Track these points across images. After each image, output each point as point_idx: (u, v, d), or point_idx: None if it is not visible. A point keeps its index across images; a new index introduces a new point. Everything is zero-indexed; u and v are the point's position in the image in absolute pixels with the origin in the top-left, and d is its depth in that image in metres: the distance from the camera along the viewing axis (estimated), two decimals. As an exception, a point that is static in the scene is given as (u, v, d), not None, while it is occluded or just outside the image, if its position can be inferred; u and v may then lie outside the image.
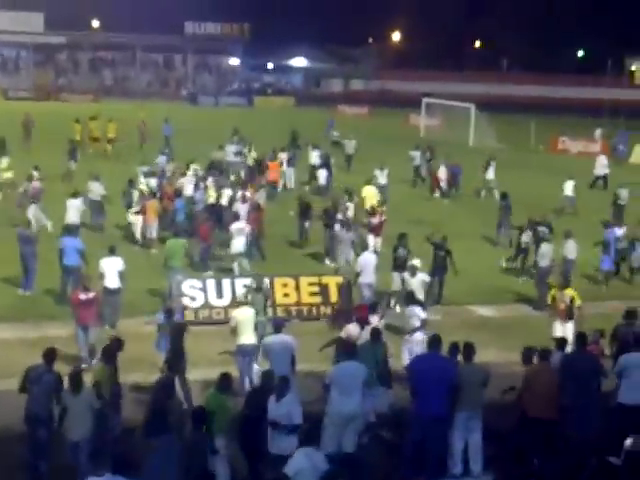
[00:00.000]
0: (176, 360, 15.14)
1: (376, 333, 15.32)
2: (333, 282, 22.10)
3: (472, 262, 25.62)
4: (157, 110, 75.19)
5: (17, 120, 50.74)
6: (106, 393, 13.59)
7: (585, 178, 42.18)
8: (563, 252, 24.41)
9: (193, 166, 34.09)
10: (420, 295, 19.64)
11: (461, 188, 40.12)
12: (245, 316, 16.96)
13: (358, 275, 21.72)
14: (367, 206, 30.03)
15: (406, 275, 20.71)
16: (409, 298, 18.98)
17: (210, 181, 31.69)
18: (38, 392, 13.15)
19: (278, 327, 15.81)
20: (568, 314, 18.70)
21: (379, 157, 40.99)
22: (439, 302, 22.75)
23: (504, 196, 30.74)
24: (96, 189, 30.40)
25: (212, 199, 30.22)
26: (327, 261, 26.56)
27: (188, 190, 30.94)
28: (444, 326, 19.48)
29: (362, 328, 16.24)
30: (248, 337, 16.79)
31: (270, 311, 19.54)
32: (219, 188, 30.80)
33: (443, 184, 39.60)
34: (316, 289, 21.94)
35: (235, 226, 25.19)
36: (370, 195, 31.58)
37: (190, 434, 12.27)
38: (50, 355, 13.58)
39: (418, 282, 20.14)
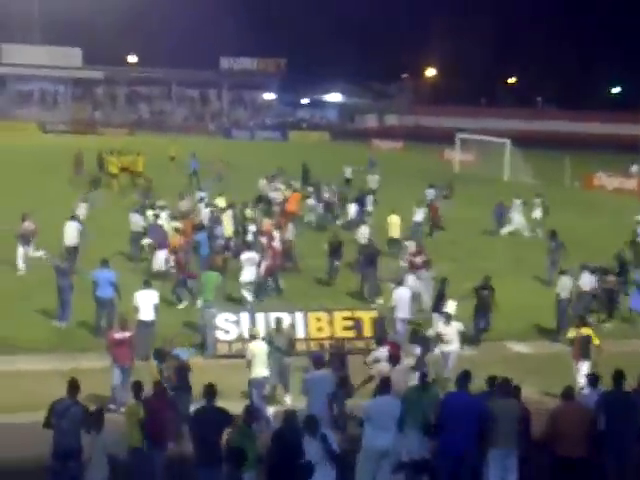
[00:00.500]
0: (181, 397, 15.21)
1: (425, 378, 14.65)
2: (367, 316, 21.97)
3: (510, 298, 25.31)
4: (191, 144, 75.76)
5: (55, 153, 51.26)
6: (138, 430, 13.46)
7: (621, 214, 41.78)
8: (579, 284, 24.20)
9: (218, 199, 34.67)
10: (455, 345, 19.17)
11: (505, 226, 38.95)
12: (260, 349, 16.99)
13: (393, 310, 21.60)
14: (391, 234, 30.69)
15: (440, 323, 19.89)
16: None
17: (229, 214, 31.93)
18: (66, 426, 12.95)
19: (319, 362, 15.61)
20: (583, 353, 18.25)
21: (413, 193, 40.97)
22: (478, 344, 22.30)
23: (553, 235, 29.90)
24: (136, 220, 30.67)
25: (229, 232, 30.43)
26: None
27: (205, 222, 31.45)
28: (480, 362, 19.29)
29: (394, 365, 16.06)
30: (261, 370, 16.84)
31: (295, 349, 19.13)
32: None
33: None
34: (350, 323, 21.83)
35: (245, 256, 25.38)
36: (394, 223, 31.85)
37: (228, 474, 12.15)
38: (74, 387, 13.41)
39: (453, 331, 19.34)
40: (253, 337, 17.66)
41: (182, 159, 52.35)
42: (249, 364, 16.87)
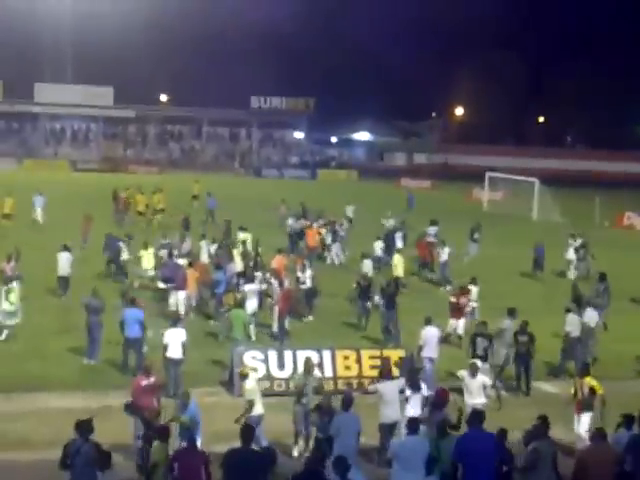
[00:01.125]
0: None
1: (443, 427, 14.35)
2: (395, 355, 21.94)
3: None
4: (220, 183, 76.30)
5: (83, 191, 51.75)
6: (162, 474, 13.33)
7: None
8: (583, 320, 24.09)
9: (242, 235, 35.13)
10: (479, 398, 18.07)
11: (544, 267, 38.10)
12: (253, 387, 16.97)
13: (420, 349, 21.57)
14: (396, 273, 31.28)
15: (466, 374, 18.53)
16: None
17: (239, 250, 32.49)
18: (79, 464, 13.04)
19: (348, 403, 15.51)
20: (586, 406, 17.44)
21: (442, 231, 40.99)
22: (528, 394, 21.79)
23: (602, 277, 29.42)
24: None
25: (239, 267, 30.63)
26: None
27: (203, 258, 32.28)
28: (510, 402, 19.21)
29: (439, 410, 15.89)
30: (257, 408, 16.83)
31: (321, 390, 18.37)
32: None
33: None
34: (377, 362, 21.80)
35: (247, 287, 26.12)
36: (399, 263, 32.37)
37: None
38: (83, 426, 13.46)
39: (477, 385, 18.14)
40: (244, 377, 17.37)
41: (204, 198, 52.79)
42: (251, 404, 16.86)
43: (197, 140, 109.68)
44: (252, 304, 25.56)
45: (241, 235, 35.61)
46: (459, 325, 25.52)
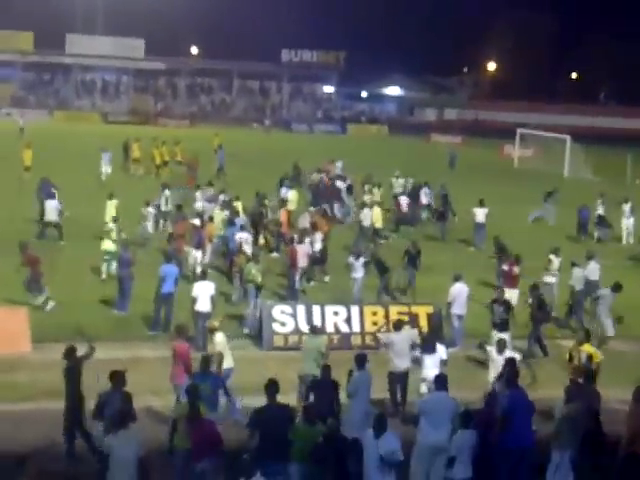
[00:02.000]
0: None
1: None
2: (423, 311, 21.96)
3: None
4: (250, 136, 76.19)
5: (117, 143, 51.80)
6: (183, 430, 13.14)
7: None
8: (585, 274, 24.25)
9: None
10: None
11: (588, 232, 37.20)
12: (222, 340, 16.78)
13: (450, 305, 21.57)
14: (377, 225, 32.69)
15: (493, 350, 17.41)
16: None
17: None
18: (110, 414, 13.10)
19: (362, 361, 15.48)
20: (580, 373, 16.01)
21: (472, 188, 40.75)
22: (546, 354, 21.23)
23: None
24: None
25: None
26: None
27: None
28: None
29: None
30: (227, 361, 16.70)
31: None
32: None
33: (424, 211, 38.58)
34: (406, 318, 21.82)
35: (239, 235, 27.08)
36: (377, 215, 32.77)
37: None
38: (116, 378, 13.65)
39: (501, 362, 16.17)
40: (213, 331, 17.10)
41: (227, 151, 52.39)
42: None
43: (227, 94, 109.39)
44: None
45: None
46: (513, 296, 23.04)
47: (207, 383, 14.47)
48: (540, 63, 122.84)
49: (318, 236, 27.78)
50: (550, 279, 24.95)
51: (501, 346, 17.10)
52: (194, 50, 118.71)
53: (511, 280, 23.96)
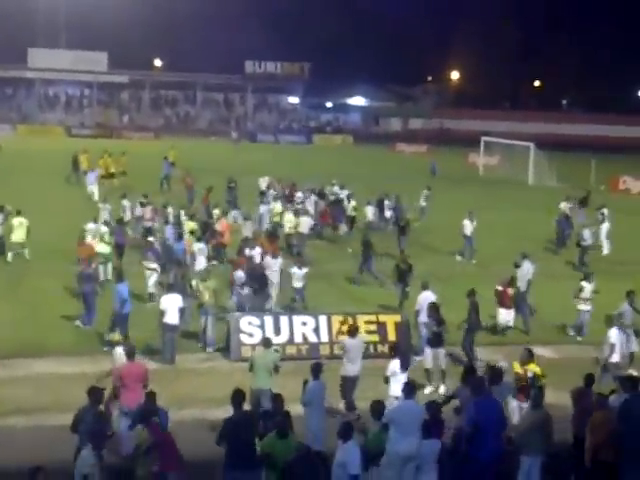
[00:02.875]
0: None
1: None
2: (391, 320, 21.98)
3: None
4: (216, 148, 76.06)
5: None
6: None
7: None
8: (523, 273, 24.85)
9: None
10: None
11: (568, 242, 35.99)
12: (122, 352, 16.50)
13: (417, 313, 21.56)
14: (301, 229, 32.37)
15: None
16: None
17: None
18: (84, 431, 12.98)
19: (317, 371, 15.48)
20: (527, 394, 15.52)
21: (442, 197, 40.83)
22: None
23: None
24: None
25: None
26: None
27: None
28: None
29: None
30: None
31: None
32: None
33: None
34: (373, 327, 21.83)
35: (196, 246, 27.16)
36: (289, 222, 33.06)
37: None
38: (93, 394, 13.51)
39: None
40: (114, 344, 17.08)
41: (181, 164, 52.15)
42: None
43: (192, 106, 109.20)
44: (200, 263, 26.38)
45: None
46: (509, 317, 23.65)
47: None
48: (503, 71, 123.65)
49: (257, 250, 26.52)
50: (584, 307, 23.74)
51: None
52: (158, 63, 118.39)
53: (506, 301, 23.74)
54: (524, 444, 13.65)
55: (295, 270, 24.79)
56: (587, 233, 32.50)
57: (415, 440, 13.23)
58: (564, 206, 39.25)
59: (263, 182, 43.74)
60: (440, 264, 31.60)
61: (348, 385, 17.52)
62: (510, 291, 23.78)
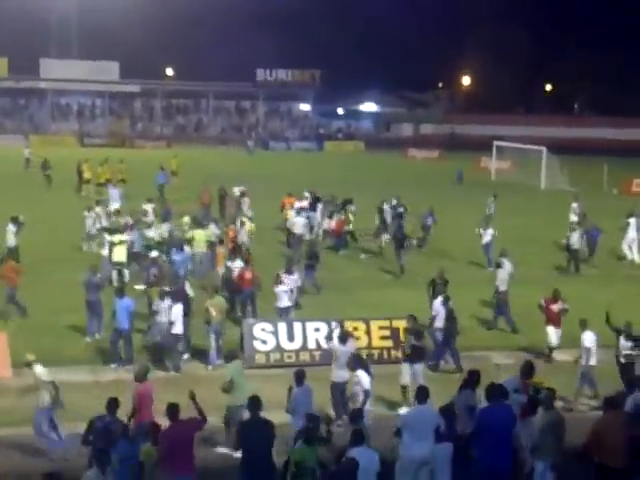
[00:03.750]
0: None
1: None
2: (404, 325, 21.96)
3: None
4: (228, 156, 76.21)
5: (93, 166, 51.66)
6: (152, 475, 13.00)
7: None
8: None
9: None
10: None
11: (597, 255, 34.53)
12: (43, 370, 16.46)
13: (433, 319, 21.54)
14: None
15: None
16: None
17: None
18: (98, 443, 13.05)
19: (300, 378, 15.52)
20: (533, 410, 14.42)
21: (451, 201, 40.81)
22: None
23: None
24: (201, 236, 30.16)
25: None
26: None
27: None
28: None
29: None
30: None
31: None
32: None
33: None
34: (387, 333, 21.85)
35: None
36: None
37: None
38: (113, 404, 13.71)
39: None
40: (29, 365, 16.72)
41: (185, 173, 52.02)
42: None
43: (204, 114, 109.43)
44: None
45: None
46: (554, 335, 21.96)
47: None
48: (514, 76, 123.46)
49: (238, 262, 25.54)
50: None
51: None
52: (169, 71, 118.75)
53: (552, 317, 21.98)
54: (537, 447, 13.61)
55: (283, 275, 23.84)
56: (575, 237, 32.19)
57: (428, 444, 13.25)
58: (575, 207, 39.12)
59: (237, 190, 41.36)
60: (455, 270, 31.35)
61: (336, 391, 17.58)
62: (555, 307, 21.88)
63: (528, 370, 16.01)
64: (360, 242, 36.05)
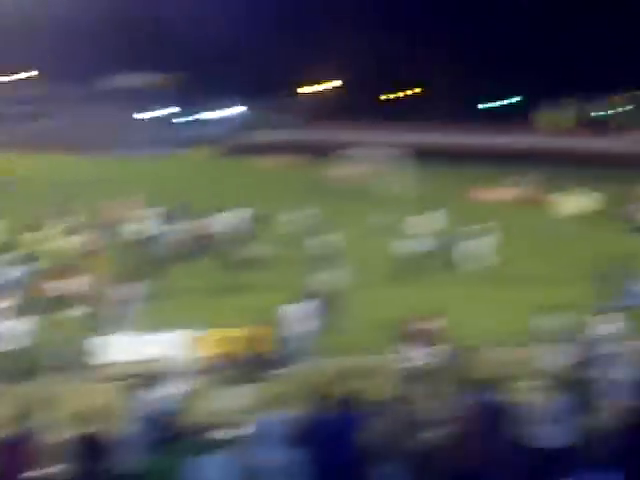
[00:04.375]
0: None
1: None
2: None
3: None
4: (85, 161, 74.40)
5: None
6: None
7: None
8: None
9: None
10: None
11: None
12: None
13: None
14: None
15: None
16: None
17: None
18: None
19: None
20: None
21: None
22: None
23: None
24: None
25: None
26: None
27: None
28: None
29: None
30: None
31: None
32: None
33: None
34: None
35: None
36: None
37: None
38: None
39: None
40: None
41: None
42: None
43: (54, 119, 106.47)
44: None
45: None
46: None
47: None
48: (367, 82, 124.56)
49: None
50: None
51: None
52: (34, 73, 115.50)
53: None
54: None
55: None
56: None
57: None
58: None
59: None
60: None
61: None
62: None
63: None
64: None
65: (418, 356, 19.45)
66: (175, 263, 32.35)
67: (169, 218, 36.27)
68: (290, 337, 21.51)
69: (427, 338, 19.82)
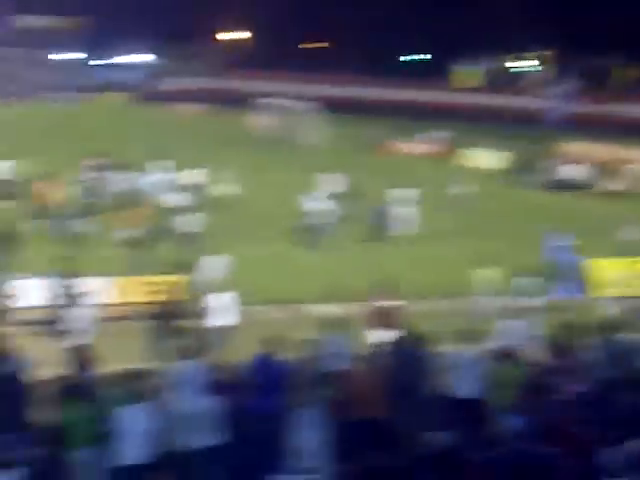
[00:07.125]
0: None
1: None
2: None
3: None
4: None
5: None
6: None
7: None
8: None
9: None
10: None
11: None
12: None
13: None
14: None
15: None
16: None
17: None
18: None
19: None
20: None
21: (216, 158, 40.17)
22: None
23: None
24: None
25: None
26: None
27: None
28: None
29: None
30: None
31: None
32: None
33: None
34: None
35: None
36: None
37: None
38: None
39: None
40: None
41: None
42: None
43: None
44: None
45: None
46: None
47: None
48: (282, 32, 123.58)
49: None
50: None
51: None
52: None
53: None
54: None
55: None
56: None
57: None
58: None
59: None
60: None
61: None
62: None
63: None
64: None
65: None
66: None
67: (99, 170, 35.73)
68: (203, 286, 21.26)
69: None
